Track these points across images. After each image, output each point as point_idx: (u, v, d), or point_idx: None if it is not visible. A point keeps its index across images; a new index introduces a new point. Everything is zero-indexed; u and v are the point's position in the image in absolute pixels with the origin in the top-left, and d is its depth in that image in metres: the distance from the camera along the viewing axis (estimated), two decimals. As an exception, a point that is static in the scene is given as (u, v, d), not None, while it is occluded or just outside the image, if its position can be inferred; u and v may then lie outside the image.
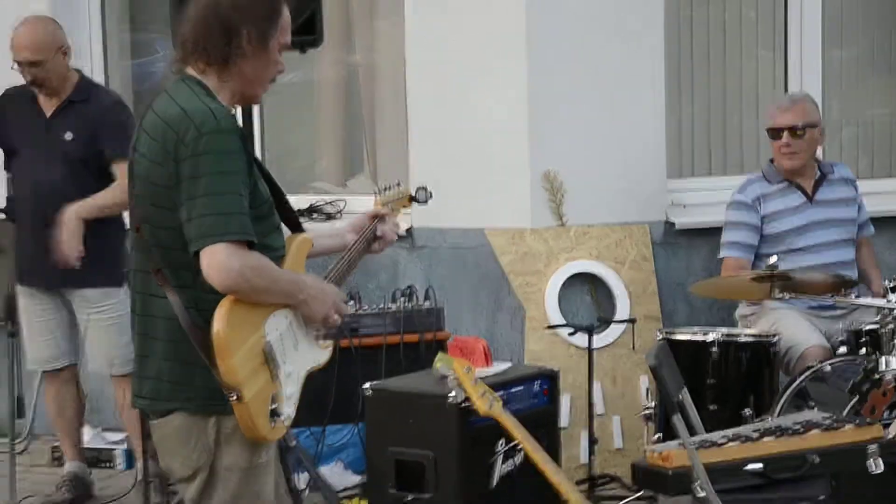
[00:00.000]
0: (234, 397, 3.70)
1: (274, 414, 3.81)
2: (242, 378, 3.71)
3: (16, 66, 6.42)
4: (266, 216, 3.90)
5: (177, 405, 3.87)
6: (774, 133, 6.53)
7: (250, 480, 3.89)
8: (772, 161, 6.66)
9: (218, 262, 3.68)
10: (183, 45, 3.91)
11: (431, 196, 4.91)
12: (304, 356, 3.98)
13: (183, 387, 3.85)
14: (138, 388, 3.98)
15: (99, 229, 6.48)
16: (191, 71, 3.90)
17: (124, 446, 7.04)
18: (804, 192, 6.56)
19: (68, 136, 6.40)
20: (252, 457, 3.88)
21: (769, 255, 6.16)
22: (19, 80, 6.52)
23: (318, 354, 4.06)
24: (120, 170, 6.33)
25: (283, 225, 4.11)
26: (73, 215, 6.16)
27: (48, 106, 6.48)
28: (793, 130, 6.48)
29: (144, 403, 3.98)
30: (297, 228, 4.17)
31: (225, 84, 3.89)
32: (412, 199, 4.83)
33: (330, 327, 4.04)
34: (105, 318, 6.55)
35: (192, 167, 3.72)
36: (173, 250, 3.81)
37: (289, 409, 3.89)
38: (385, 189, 4.72)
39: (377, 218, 4.47)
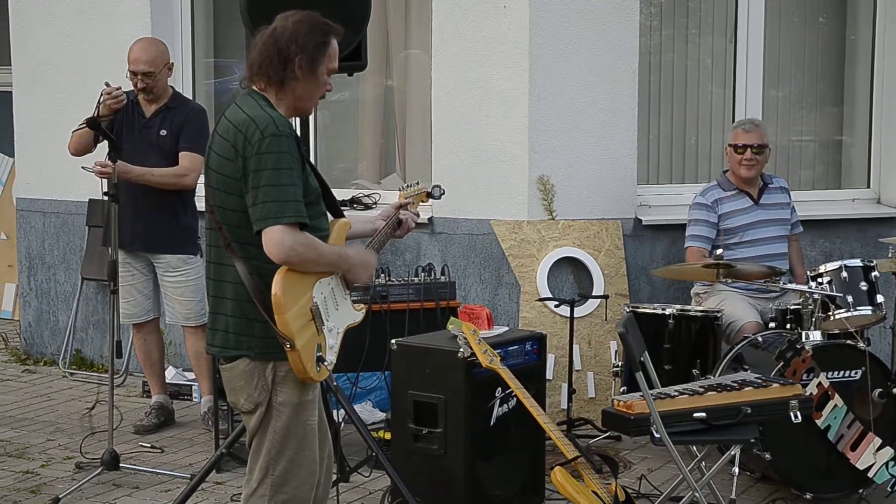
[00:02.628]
0: (288, 346, 3.72)
1: (319, 360, 3.83)
2: (295, 330, 3.72)
3: (129, 75, 6.41)
4: (313, 203, 3.89)
5: (242, 352, 3.86)
6: (740, 149, 6.48)
7: (300, 413, 3.90)
8: (724, 172, 6.63)
9: (274, 240, 3.70)
10: (250, 67, 3.90)
11: (444, 193, 4.89)
12: (343, 315, 3.99)
13: (246, 337, 3.84)
14: (211, 338, 3.96)
15: (180, 208, 6.49)
16: (255, 87, 3.90)
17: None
18: (751, 197, 6.54)
19: (163, 132, 6.42)
20: (301, 394, 3.89)
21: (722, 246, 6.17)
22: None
23: (355, 315, 4.07)
24: (183, 158, 6.34)
25: (328, 212, 4.09)
26: (135, 169, 6.19)
27: (148, 110, 6.49)
28: (753, 148, 6.45)
29: (216, 350, 3.96)
30: (338, 214, 4.15)
31: (281, 100, 3.89)
32: (428, 195, 4.81)
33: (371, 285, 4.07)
34: (183, 280, 6.55)
35: (255, 163, 3.73)
36: (241, 229, 3.81)
37: (331, 357, 3.90)
38: (407, 186, 4.70)
39: (400, 209, 4.45)
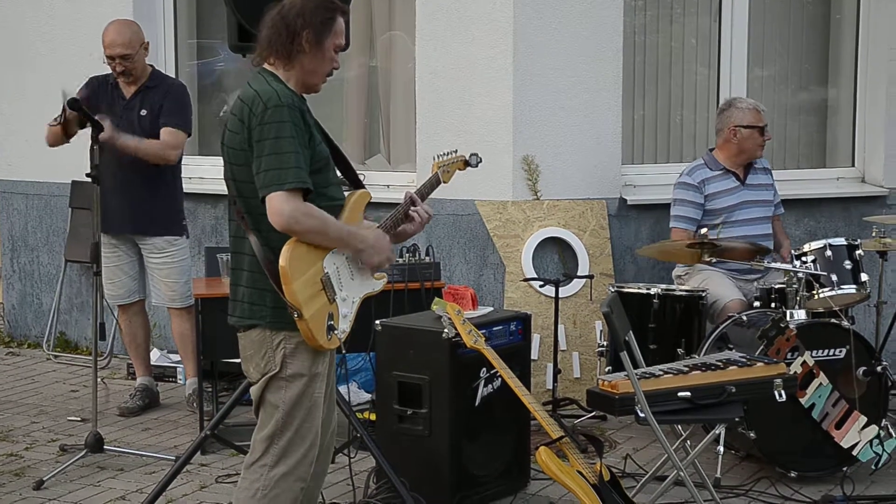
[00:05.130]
0: (296, 315, 3.82)
1: (330, 329, 3.91)
2: (302, 300, 3.82)
3: (106, 59, 6.38)
4: (323, 170, 3.97)
5: (255, 321, 3.96)
6: (761, 130, 6.46)
7: (309, 385, 3.98)
8: (710, 151, 6.61)
9: (274, 206, 3.80)
10: (259, 44, 4.02)
11: (482, 161, 4.84)
12: (359, 285, 4.07)
13: (259, 306, 3.95)
14: (232, 309, 4.07)
15: (165, 190, 6.46)
16: (266, 66, 4.00)
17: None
18: (737, 177, 6.53)
19: (143, 112, 6.40)
20: (312, 366, 3.98)
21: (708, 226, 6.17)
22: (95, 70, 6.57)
23: (373, 284, 4.16)
24: (165, 134, 6.31)
25: (349, 184, 4.20)
26: (119, 137, 6.06)
27: (128, 91, 6.47)
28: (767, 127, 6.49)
29: (235, 320, 4.06)
30: (357, 186, 4.23)
31: (290, 74, 3.98)
32: (465, 163, 4.78)
33: (383, 270, 4.14)
34: (168, 261, 6.53)
35: (259, 133, 3.84)
36: (252, 200, 3.92)
37: (344, 326, 4.00)
38: (444, 154, 4.70)
39: (412, 203, 4.29)
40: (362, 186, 4.21)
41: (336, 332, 3.93)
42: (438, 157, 4.68)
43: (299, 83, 4.00)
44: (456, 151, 4.74)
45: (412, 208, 4.29)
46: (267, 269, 3.86)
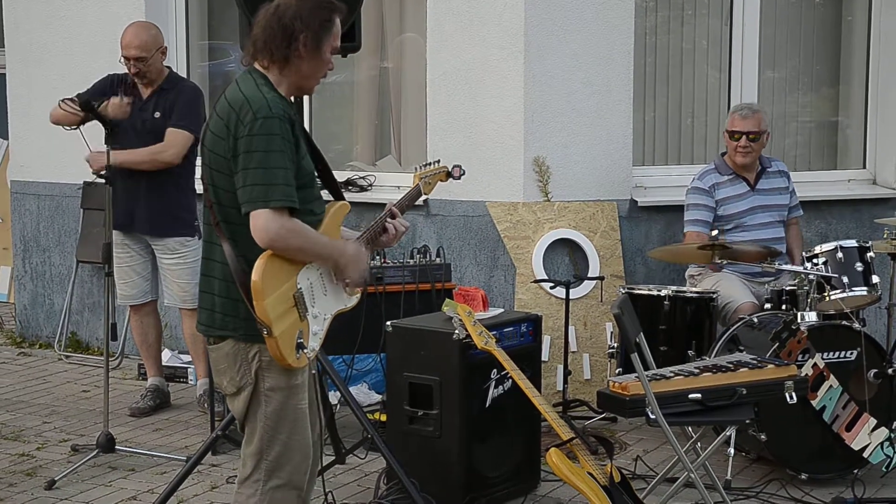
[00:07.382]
0: (265, 332, 3.68)
1: (300, 347, 3.76)
2: (273, 317, 3.67)
3: (123, 60, 6.39)
4: (307, 186, 3.83)
5: (227, 332, 3.84)
6: (734, 135, 6.45)
7: (290, 397, 3.86)
8: (722, 155, 6.60)
9: (259, 224, 3.66)
10: (253, 43, 3.83)
11: (465, 173, 4.80)
12: (331, 301, 3.91)
13: (231, 317, 3.81)
14: (199, 315, 3.96)
15: (178, 190, 6.47)
16: (257, 65, 3.84)
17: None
18: (748, 182, 6.51)
19: (157, 114, 6.41)
20: (290, 379, 3.85)
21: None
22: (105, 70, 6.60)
23: (346, 300, 3.98)
24: (166, 135, 6.32)
25: (330, 193, 4.05)
26: (115, 157, 5.99)
27: (144, 92, 6.48)
28: (749, 135, 6.42)
29: (202, 329, 3.95)
30: (338, 197, 4.08)
31: (284, 78, 3.82)
32: (448, 174, 4.70)
33: (359, 285, 3.98)
34: (180, 262, 6.54)
35: (246, 144, 3.68)
36: (229, 209, 3.77)
37: (314, 344, 3.84)
38: (424, 165, 4.61)
39: (390, 214, 4.19)
40: (343, 198, 4.05)
41: (305, 350, 3.76)
42: (420, 167, 4.57)
43: (293, 87, 3.85)
44: (438, 162, 4.65)
45: (388, 221, 4.13)
46: (239, 282, 3.70)
